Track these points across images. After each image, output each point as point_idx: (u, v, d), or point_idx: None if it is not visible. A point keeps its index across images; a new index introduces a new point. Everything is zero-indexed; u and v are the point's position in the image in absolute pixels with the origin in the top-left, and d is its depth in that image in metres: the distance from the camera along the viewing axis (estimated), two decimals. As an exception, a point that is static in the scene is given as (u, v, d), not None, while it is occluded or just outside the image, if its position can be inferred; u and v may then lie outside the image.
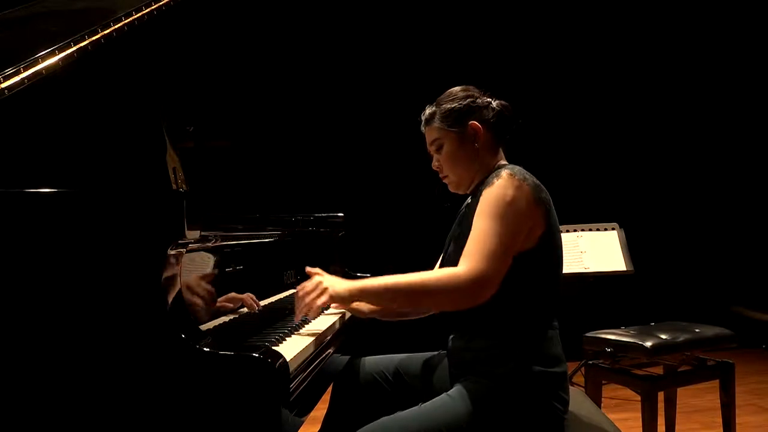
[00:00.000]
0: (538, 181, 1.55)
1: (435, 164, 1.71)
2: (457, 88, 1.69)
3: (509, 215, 1.46)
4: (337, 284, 1.54)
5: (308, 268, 1.63)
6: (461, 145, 1.64)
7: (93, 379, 1.09)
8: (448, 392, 1.53)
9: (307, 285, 1.54)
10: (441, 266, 1.72)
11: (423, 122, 1.70)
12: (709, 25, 4.86)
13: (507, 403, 1.48)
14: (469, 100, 1.64)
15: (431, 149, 1.70)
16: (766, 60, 4.90)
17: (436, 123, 1.66)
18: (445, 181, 1.71)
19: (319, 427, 1.81)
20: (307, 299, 1.51)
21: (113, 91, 1.63)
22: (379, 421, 1.48)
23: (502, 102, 1.68)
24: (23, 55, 1.36)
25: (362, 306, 1.73)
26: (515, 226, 1.46)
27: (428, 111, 1.69)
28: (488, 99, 1.67)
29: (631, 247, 3.36)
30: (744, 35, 4.89)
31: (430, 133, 1.69)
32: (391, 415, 1.48)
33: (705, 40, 4.87)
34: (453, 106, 1.64)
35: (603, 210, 3.90)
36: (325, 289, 1.52)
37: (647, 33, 4.85)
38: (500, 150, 1.69)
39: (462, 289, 1.43)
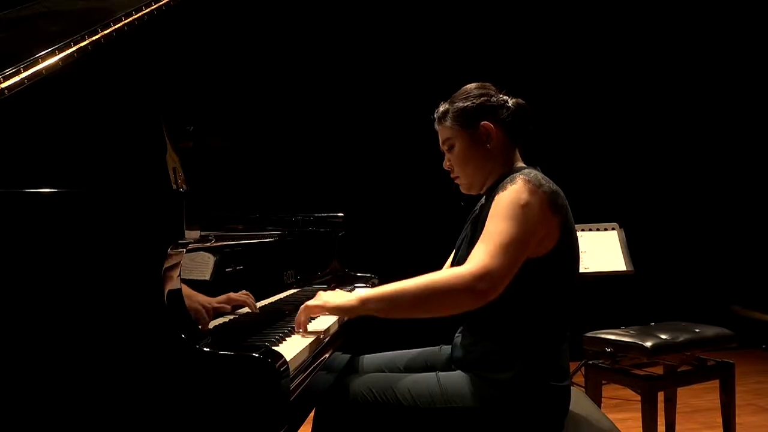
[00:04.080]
0: (555, 187, 1.48)
1: (446, 164, 1.64)
2: (472, 85, 1.60)
3: (521, 217, 1.38)
4: (336, 297, 1.47)
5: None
6: (472, 146, 1.56)
7: (93, 380, 1.08)
8: (457, 371, 1.53)
9: (308, 303, 1.49)
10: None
11: (436, 120, 1.62)
12: (709, 25, 4.85)
13: (505, 409, 1.45)
14: (483, 98, 1.56)
15: (443, 148, 1.63)
16: (766, 60, 4.90)
17: (448, 122, 1.58)
18: (457, 181, 1.65)
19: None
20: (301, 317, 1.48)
21: (113, 91, 1.63)
22: (395, 375, 1.53)
23: (519, 101, 1.59)
24: (23, 55, 1.35)
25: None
26: (527, 228, 1.38)
27: (442, 108, 1.61)
28: (504, 97, 1.59)
29: (631, 247, 3.37)
30: (744, 35, 4.89)
31: (442, 132, 1.61)
32: (404, 374, 1.53)
33: (705, 40, 4.87)
34: (466, 104, 1.56)
35: (603, 210, 3.90)
36: (323, 305, 1.46)
37: (647, 33, 4.84)
38: (516, 151, 1.61)
39: (467, 287, 1.33)
